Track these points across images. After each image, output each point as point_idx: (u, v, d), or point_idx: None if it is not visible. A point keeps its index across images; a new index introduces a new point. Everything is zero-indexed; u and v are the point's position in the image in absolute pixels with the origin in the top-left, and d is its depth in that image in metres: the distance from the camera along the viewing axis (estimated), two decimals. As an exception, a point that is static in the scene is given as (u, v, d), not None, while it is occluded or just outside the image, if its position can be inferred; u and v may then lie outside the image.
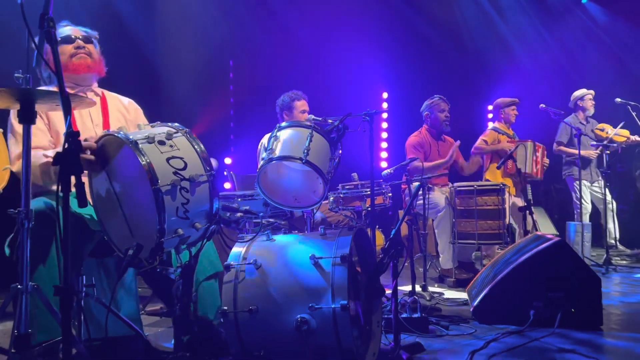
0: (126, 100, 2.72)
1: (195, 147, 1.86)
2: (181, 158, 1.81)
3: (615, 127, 5.87)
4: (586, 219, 5.98)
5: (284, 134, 2.29)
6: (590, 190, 6.05)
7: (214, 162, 3.50)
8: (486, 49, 8.27)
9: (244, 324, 2.02)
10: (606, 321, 2.96)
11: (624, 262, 5.69)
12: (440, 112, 4.93)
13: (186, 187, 1.79)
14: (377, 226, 6.48)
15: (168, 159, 1.78)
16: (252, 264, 2.06)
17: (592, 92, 5.99)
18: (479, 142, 5.44)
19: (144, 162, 1.67)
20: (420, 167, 4.35)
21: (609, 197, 5.79)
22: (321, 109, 3.81)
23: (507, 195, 4.58)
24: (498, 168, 4.87)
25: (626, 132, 5.77)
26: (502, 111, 5.55)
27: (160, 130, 1.85)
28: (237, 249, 2.16)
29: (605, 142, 5.63)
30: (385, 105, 8.08)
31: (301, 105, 3.96)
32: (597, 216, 6.03)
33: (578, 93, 6.04)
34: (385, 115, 8.08)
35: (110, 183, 1.88)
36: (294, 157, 2.19)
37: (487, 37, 8.27)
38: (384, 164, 7.67)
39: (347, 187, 3.58)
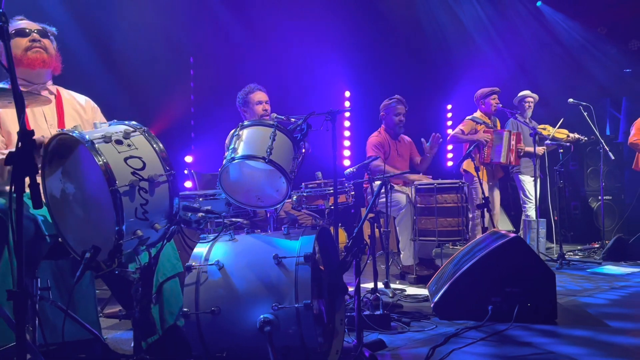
0: (83, 98, 2.63)
1: (154, 146, 1.82)
2: (139, 157, 1.77)
3: (567, 128, 6.07)
4: (532, 213, 6.14)
5: (247, 133, 2.27)
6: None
7: None
8: (445, 49, 8.44)
9: (206, 325, 2.00)
10: (561, 314, 3.07)
11: (577, 257, 5.91)
12: (394, 115, 4.99)
13: (145, 188, 1.75)
14: (340, 224, 6.54)
15: (126, 159, 1.73)
16: (215, 264, 2.04)
17: (534, 96, 6.15)
18: (456, 131, 5.59)
19: (100, 163, 1.62)
20: (381, 166, 4.40)
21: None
22: (285, 107, 3.79)
23: (479, 186, 4.69)
24: (463, 160, 4.98)
25: (565, 131, 5.97)
26: (482, 101, 5.69)
27: (118, 129, 1.80)
28: (199, 250, 2.13)
29: (549, 140, 5.81)
30: (347, 104, 8.14)
31: (257, 97, 3.87)
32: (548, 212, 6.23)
33: (522, 93, 6.22)
34: (347, 114, 8.13)
35: (65, 184, 1.82)
36: (257, 156, 2.17)
37: (447, 37, 8.44)
38: (347, 162, 7.73)
39: (311, 185, 3.58)
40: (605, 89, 9.27)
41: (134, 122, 1.91)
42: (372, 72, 7.79)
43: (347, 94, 8.15)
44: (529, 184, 5.88)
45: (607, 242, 5.87)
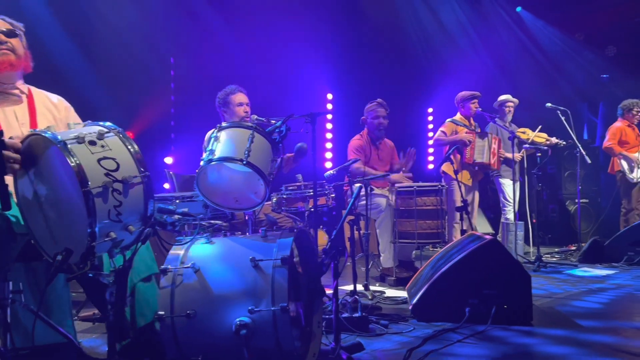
0: (55, 97, 2.59)
1: (129, 147, 1.80)
2: (113, 159, 1.75)
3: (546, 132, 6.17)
4: (511, 216, 6.22)
5: (225, 135, 2.26)
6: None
7: None
8: (427, 53, 8.51)
9: (182, 328, 1.98)
10: (536, 316, 3.11)
11: (554, 259, 5.99)
12: (374, 118, 5.00)
13: (119, 189, 1.73)
14: (321, 226, 6.54)
15: (99, 160, 1.71)
16: (190, 267, 2.02)
17: (515, 100, 6.24)
18: (438, 134, 5.65)
19: (73, 164, 1.60)
20: (361, 169, 4.41)
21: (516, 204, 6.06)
22: (266, 109, 3.77)
23: (458, 189, 4.73)
24: (443, 162, 5.02)
25: (544, 135, 6.07)
26: (463, 105, 5.75)
27: (91, 129, 1.77)
28: (175, 252, 2.11)
29: (527, 144, 5.90)
30: (330, 106, 8.15)
31: (238, 98, 3.82)
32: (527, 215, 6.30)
33: (502, 98, 6.30)
34: (330, 116, 8.15)
35: (37, 185, 1.79)
36: (235, 158, 2.16)
37: (428, 41, 8.52)
38: (329, 165, 7.73)
39: (290, 188, 3.58)
40: (583, 93, 9.43)
41: (108, 123, 1.88)
42: (355, 75, 7.82)
43: (330, 96, 8.16)
44: (508, 187, 5.94)
45: (583, 244, 5.97)
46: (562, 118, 5.95)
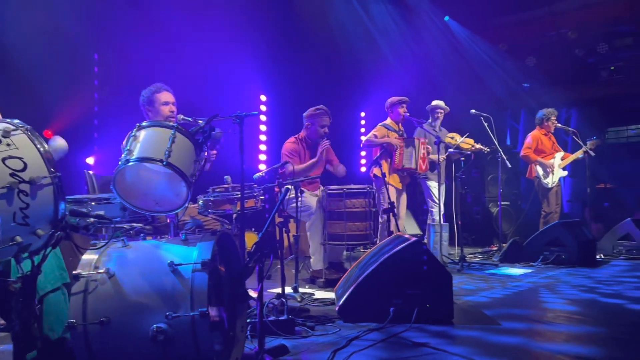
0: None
1: (38, 146, 1.71)
2: (20, 158, 1.65)
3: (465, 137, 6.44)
4: (438, 217, 6.45)
5: (144, 134, 2.19)
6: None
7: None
8: (360, 57, 8.65)
9: (95, 337, 1.89)
10: (458, 314, 3.22)
11: (477, 259, 6.26)
12: (320, 126, 4.99)
13: (25, 191, 1.64)
14: (253, 229, 6.48)
15: (4, 159, 1.62)
16: (105, 272, 1.93)
17: (446, 108, 6.48)
18: (369, 136, 5.74)
19: (-29, 163, 1.49)
20: (292, 171, 4.41)
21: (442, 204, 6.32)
22: (196, 110, 3.67)
23: (386, 192, 4.82)
24: (372, 165, 5.11)
25: (471, 141, 6.34)
26: (392, 110, 5.88)
27: (-5, 127, 1.67)
28: (88, 257, 2.01)
29: (452, 149, 6.14)
30: (263, 107, 8.11)
31: (163, 97, 3.63)
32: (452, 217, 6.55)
33: (434, 103, 6.53)
34: (264, 117, 8.11)
35: None
36: (154, 158, 2.10)
37: (361, 46, 8.66)
38: (263, 167, 7.68)
39: (218, 190, 3.51)
40: (506, 101, 9.94)
41: (16, 121, 1.78)
42: (288, 78, 7.82)
43: (263, 98, 8.12)
44: (434, 189, 6.15)
45: (504, 245, 6.26)
46: (485, 124, 6.23)
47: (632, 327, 3.01)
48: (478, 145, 6.31)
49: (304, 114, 5.14)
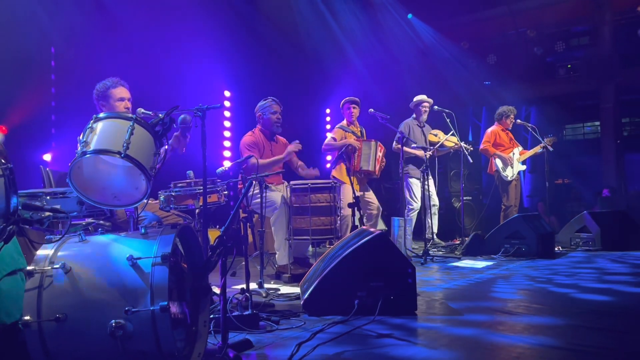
0: None
1: (-13, 137, 1.64)
2: (-32, 150, 1.58)
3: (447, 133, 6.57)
4: (415, 215, 6.58)
5: (101, 126, 2.12)
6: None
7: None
8: (324, 54, 8.67)
9: (51, 334, 1.82)
10: (421, 306, 3.27)
11: (440, 252, 6.36)
12: (272, 114, 5.00)
13: (-26, 183, 1.57)
14: (217, 226, 6.41)
15: (-50, 151, 1.55)
16: (60, 267, 1.87)
17: (430, 100, 6.59)
18: (328, 140, 5.75)
19: None
20: (256, 165, 4.38)
21: (434, 195, 6.52)
22: (158, 104, 3.59)
23: (350, 190, 4.86)
24: (330, 169, 5.14)
25: (455, 139, 6.47)
26: (343, 110, 5.94)
27: (-61, 116, 1.59)
28: (43, 252, 1.94)
29: (436, 146, 6.27)
30: (227, 103, 8.04)
31: (118, 92, 3.52)
32: (420, 212, 6.66)
33: (417, 98, 6.61)
34: (228, 113, 8.04)
35: None
36: (112, 150, 2.04)
37: (325, 42, 8.69)
38: (228, 163, 7.59)
39: (180, 185, 3.46)
40: (468, 98, 10.15)
41: (-35, 112, 1.71)
42: (253, 73, 7.78)
43: (227, 93, 8.05)
44: (415, 185, 6.46)
45: (466, 238, 6.39)
46: (448, 120, 6.34)
47: (589, 316, 3.11)
48: (461, 143, 6.44)
49: (255, 109, 5.15)
